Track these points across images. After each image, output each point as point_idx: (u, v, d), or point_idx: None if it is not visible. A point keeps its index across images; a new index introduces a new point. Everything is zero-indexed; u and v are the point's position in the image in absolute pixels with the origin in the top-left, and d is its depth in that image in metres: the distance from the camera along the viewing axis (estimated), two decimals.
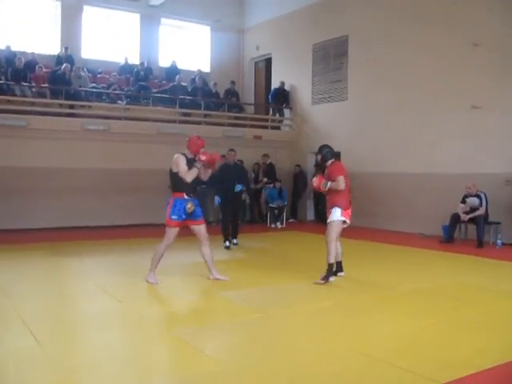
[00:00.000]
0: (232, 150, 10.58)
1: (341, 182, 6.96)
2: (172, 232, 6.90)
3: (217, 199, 10.22)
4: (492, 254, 10.02)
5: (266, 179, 15.19)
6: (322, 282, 6.93)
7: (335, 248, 7.13)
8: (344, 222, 7.15)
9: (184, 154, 6.90)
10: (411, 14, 13.41)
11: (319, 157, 7.51)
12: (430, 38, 12.89)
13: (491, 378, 4.00)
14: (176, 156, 6.90)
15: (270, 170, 15.49)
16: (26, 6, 16.33)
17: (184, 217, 6.85)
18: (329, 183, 7.01)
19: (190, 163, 6.80)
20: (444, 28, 12.56)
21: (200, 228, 7.02)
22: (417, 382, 3.82)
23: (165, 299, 6.25)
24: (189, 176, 6.76)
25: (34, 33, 16.42)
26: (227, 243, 10.25)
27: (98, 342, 4.64)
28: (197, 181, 6.94)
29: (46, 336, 4.74)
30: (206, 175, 7.09)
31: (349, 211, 7.16)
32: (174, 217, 6.82)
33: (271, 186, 14.90)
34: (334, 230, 7.08)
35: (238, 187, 10.19)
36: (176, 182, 6.88)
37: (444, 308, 6.03)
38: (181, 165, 6.80)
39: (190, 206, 6.80)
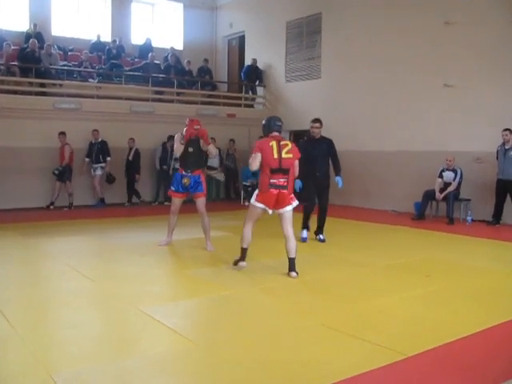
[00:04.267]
0: (316, 120, 8.77)
1: (251, 160, 6.40)
2: (173, 201, 7.92)
3: (297, 183, 8.09)
4: (462, 230, 10.20)
5: None
6: (233, 265, 6.63)
7: (248, 233, 6.48)
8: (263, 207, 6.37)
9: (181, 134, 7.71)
10: None
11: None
12: (402, 17, 12.92)
13: (456, 351, 4.10)
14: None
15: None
16: None
17: (181, 189, 7.73)
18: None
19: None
20: (417, 6, 12.57)
21: (197, 201, 7.76)
22: (384, 354, 3.89)
23: (137, 278, 6.25)
24: (175, 151, 7.85)
25: (2, 9, 15.99)
26: (304, 233, 8.67)
27: (70, 321, 4.63)
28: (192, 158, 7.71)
29: (18, 317, 4.71)
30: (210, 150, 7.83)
31: (269, 195, 6.24)
32: (172, 188, 7.87)
33: None
34: (249, 213, 6.51)
35: (341, 181, 8.59)
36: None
37: (414, 283, 6.14)
38: (174, 143, 7.84)
39: (185, 181, 7.62)
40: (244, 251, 6.52)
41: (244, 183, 14.75)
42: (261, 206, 6.33)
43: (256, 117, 16.86)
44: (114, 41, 16.71)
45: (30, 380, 3.48)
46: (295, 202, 6.37)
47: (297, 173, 6.52)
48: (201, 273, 6.51)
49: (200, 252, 7.74)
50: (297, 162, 6.42)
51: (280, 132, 6.48)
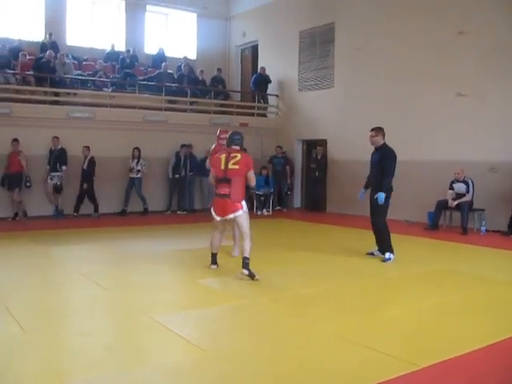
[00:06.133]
0: (372, 128, 8.12)
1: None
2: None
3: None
4: (476, 240, 10.12)
5: None
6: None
7: (215, 240, 7.09)
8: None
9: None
10: (397, 2, 13.42)
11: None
12: (415, 26, 12.89)
13: (470, 362, 4.05)
14: None
15: None
16: None
17: None
18: None
19: None
20: (430, 16, 12.55)
21: None
22: (398, 365, 3.86)
23: (149, 286, 6.26)
24: (208, 164, 7.93)
25: (18, 19, 16.18)
26: (387, 255, 7.97)
27: (82, 329, 4.64)
28: None
29: (30, 324, 4.73)
30: None
31: (217, 203, 6.76)
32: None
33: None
34: (212, 222, 7.08)
35: (381, 196, 7.75)
36: None
37: (426, 294, 6.09)
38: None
39: None
40: (213, 256, 7.16)
41: (257, 192, 14.73)
42: (214, 214, 6.83)
43: (269, 126, 16.92)
44: (127, 50, 16.84)
45: None
46: (242, 209, 6.67)
47: (251, 183, 6.81)
48: (213, 282, 6.51)
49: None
50: (250, 173, 6.70)
51: (240, 145, 6.88)
